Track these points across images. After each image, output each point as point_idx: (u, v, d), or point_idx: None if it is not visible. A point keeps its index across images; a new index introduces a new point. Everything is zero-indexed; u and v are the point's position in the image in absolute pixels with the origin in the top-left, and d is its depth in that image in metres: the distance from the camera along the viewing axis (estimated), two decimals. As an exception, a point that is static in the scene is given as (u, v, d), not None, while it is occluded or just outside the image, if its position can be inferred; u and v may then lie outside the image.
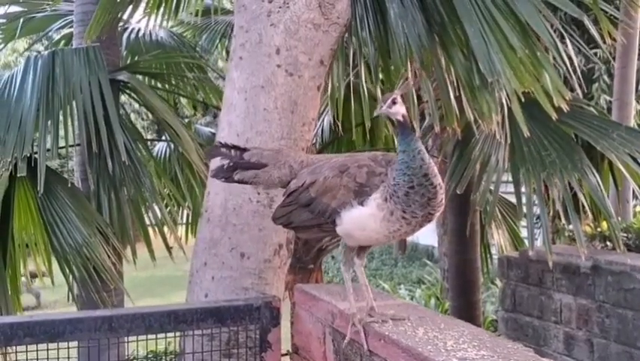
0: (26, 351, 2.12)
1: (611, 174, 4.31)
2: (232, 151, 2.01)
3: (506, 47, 2.69)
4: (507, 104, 2.91)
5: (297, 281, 4.06)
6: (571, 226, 4.05)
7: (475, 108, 2.98)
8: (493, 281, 8.32)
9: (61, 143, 3.95)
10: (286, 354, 2.55)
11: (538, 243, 4.80)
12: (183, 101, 6.97)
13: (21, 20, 5.22)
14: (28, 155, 3.61)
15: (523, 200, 3.59)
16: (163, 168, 5.14)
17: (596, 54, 7.37)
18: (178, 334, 2.47)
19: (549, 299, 4.48)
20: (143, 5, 4.88)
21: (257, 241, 2.55)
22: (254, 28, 2.54)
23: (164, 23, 5.36)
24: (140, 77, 4.81)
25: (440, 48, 3.01)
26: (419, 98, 3.40)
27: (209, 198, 2.63)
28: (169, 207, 4.86)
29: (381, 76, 3.77)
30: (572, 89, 3.54)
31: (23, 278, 3.83)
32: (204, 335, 2.39)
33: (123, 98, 4.67)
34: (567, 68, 2.98)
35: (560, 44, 2.89)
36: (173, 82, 5.41)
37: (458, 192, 3.72)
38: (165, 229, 4.09)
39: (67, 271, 3.68)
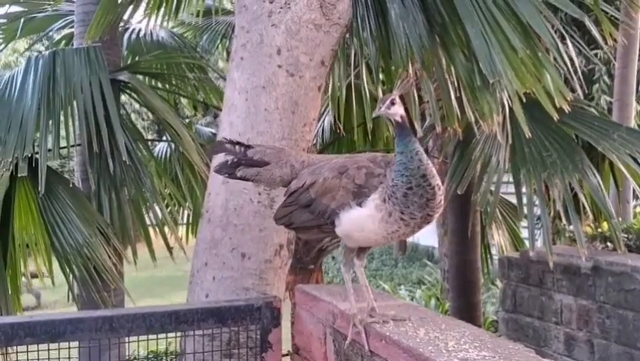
0: (27, 351, 2.12)
1: (612, 175, 4.31)
2: (236, 147, 2.01)
3: (507, 48, 2.69)
4: (508, 105, 2.91)
5: (297, 282, 4.06)
6: (571, 227, 4.05)
7: (476, 109, 2.99)
8: (494, 282, 8.32)
9: (62, 143, 3.95)
10: (287, 354, 2.55)
11: (539, 243, 4.79)
12: (184, 101, 6.98)
13: (22, 20, 5.22)
14: (29, 155, 3.60)
15: (524, 200, 3.59)
16: (164, 168, 5.14)
17: (596, 55, 7.38)
18: (178, 334, 2.46)
19: (550, 300, 4.48)
20: (143, 6, 4.88)
21: (258, 242, 2.55)
22: (255, 29, 2.54)
23: (165, 24, 5.37)
24: (140, 77, 4.81)
25: (441, 49, 3.01)
26: (420, 98, 3.40)
27: (210, 198, 2.63)
28: (169, 208, 4.86)
29: (382, 76, 3.78)
30: (573, 90, 3.54)
31: (24, 278, 3.83)
32: (205, 335, 2.39)
33: (123, 98, 4.67)
34: (568, 69, 2.98)
35: (560, 45, 2.89)
36: (174, 82, 5.41)
37: (459, 192, 3.72)
38: (166, 229, 4.09)
39: (68, 271, 3.68)
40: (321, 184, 1.80)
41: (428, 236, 11.32)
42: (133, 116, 12.83)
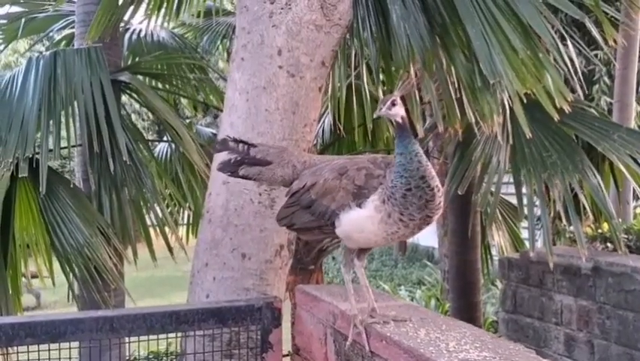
0: (28, 352, 2.12)
1: (612, 176, 4.31)
2: (240, 146, 2.01)
3: (508, 49, 2.69)
4: (508, 106, 2.91)
5: (297, 282, 4.06)
6: (572, 227, 4.06)
7: (476, 109, 2.99)
8: (494, 282, 8.32)
9: (63, 143, 3.95)
10: (287, 355, 2.55)
11: (539, 244, 4.80)
12: (184, 101, 6.98)
13: (22, 21, 5.22)
14: (30, 155, 3.61)
15: (524, 201, 3.59)
16: (164, 168, 5.14)
17: (596, 56, 7.37)
18: (179, 334, 2.47)
19: (550, 300, 4.48)
20: (144, 6, 4.89)
21: (258, 242, 2.55)
22: (256, 30, 2.54)
23: (166, 24, 5.37)
24: (141, 77, 4.82)
25: (442, 49, 3.02)
26: (421, 99, 3.41)
27: (211, 198, 2.64)
28: (170, 208, 4.86)
29: (382, 77, 3.78)
30: (573, 91, 3.55)
31: (24, 279, 3.83)
32: (205, 335, 2.40)
33: (124, 98, 4.67)
34: (568, 70, 2.99)
35: (561, 46, 2.89)
36: (174, 83, 5.41)
37: (459, 193, 3.72)
38: (166, 229, 4.09)
39: (69, 271, 3.68)
40: (321, 185, 1.81)
41: (428, 237, 11.31)
42: (133, 116, 12.82)
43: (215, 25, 6.18)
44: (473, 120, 3.07)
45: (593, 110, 4.36)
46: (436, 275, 10.73)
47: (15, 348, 2.17)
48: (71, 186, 3.89)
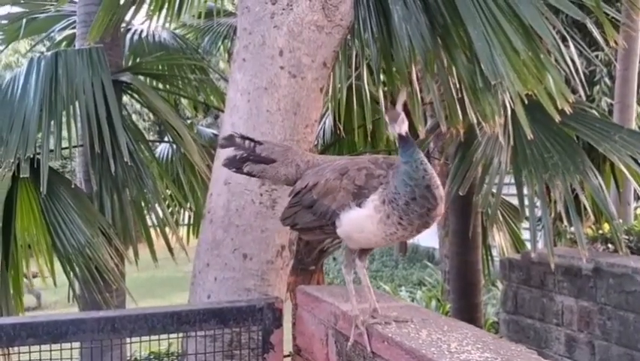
0: (29, 352, 2.12)
1: (613, 176, 4.31)
2: (246, 142, 2.01)
3: (509, 50, 2.69)
4: (510, 106, 2.92)
5: (298, 283, 4.06)
6: (572, 228, 4.05)
7: (477, 110, 2.99)
8: (494, 283, 8.32)
9: (64, 144, 3.96)
10: (288, 355, 2.55)
11: (540, 245, 4.80)
12: (184, 102, 6.99)
13: (24, 21, 5.22)
14: (31, 156, 3.61)
15: (525, 202, 3.59)
16: (165, 169, 5.14)
17: (597, 57, 7.37)
18: (180, 335, 2.47)
19: (551, 301, 4.48)
20: (145, 7, 4.89)
21: (259, 243, 2.55)
22: (257, 30, 2.54)
23: (167, 25, 5.38)
24: (142, 78, 4.82)
25: (443, 50, 3.02)
26: (423, 99, 3.41)
27: (212, 199, 2.64)
28: (171, 208, 4.86)
29: (382, 77, 3.78)
30: (574, 92, 3.55)
31: (25, 279, 3.83)
32: (207, 336, 2.40)
33: (125, 99, 4.67)
34: (570, 71, 2.99)
35: (562, 47, 2.90)
36: (175, 83, 5.42)
37: (460, 194, 3.72)
38: (167, 229, 4.10)
39: (70, 271, 3.68)
40: (322, 185, 1.82)
41: (429, 237, 11.31)
42: (134, 117, 12.82)
43: (217, 26, 6.19)
44: (475, 121, 3.07)
45: (594, 111, 4.36)
46: (437, 276, 10.73)
47: (17, 348, 2.17)
48: (72, 186, 3.89)
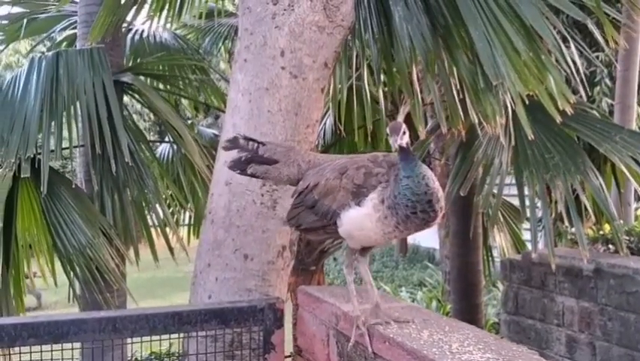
0: (30, 352, 2.12)
1: (614, 177, 4.31)
2: (250, 144, 2.02)
3: (510, 50, 2.69)
4: (511, 107, 2.92)
5: (299, 283, 4.05)
6: (573, 229, 4.05)
7: (479, 111, 2.99)
8: (495, 284, 8.32)
9: (65, 144, 3.95)
10: (289, 356, 2.55)
11: (541, 245, 4.80)
12: (184, 102, 6.99)
13: (24, 21, 5.22)
14: (32, 156, 3.61)
15: (526, 202, 3.59)
16: (166, 169, 5.15)
17: (598, 57, 7.37)
18: (181, 335, 2.47)
19: (551, 302, 4.48)
20: (146, 7, 4.89)
21: (260, 243, 2.55)
22: (258, 31, 2.54)
23: (168, 25, 5.38)
24: (143, 78, 4.82)
25: (444, 51, 3.02)
26: (423, 100, 3.41)
27: (213, 199, 2.64)
28: (171, 209, 4.87)
29: (383, 78, 3.78)
30: (575, 92, 3.55)
31: (26, 279, 3.83)
32: (207, 336, 2.39)
33: (126, 99, 4.68)
34: (571, 71, 2.99)
35: (563, 47, 2.90)
36: (176, 84, 5.42)
37: (461, 194, 3.72)
38: (167, 230, 4.10)
39: (71, 271, 3.68)
40: (323, 185, 1.83)
41: (429, 238, 11.33)
42: (135, 117, 12.82)
43: (217, 27, 6.19)
44: (476, 121, 3.07)
45: (594, 112, 4.36)
46: (437, 277, 10.73)
47: (18, 349, 2.17)
48: (73, 186, 3.90)
